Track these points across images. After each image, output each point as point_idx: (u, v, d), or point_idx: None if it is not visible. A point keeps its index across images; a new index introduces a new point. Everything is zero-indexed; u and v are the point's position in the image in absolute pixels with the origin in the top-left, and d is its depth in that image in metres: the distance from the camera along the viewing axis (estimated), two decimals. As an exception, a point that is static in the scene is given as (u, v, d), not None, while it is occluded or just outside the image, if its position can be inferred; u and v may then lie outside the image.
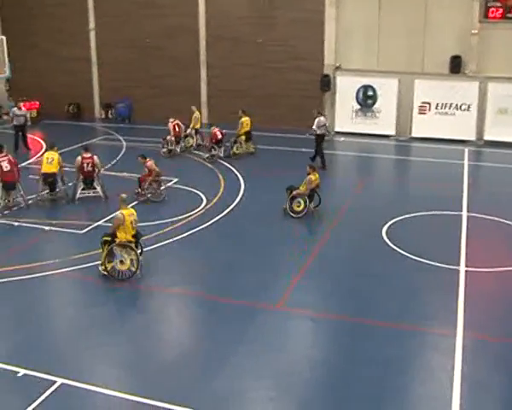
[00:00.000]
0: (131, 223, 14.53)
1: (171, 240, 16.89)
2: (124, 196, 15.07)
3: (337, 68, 30.12)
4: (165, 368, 11.14)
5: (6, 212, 18.99)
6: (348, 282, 14.51)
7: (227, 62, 31.87)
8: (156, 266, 15.59)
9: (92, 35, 34.81)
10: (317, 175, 18.97)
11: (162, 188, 20.63)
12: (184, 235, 17.25)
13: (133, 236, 14.61)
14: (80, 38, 34.80)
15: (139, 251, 14.86)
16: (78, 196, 20.20)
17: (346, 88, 29.97)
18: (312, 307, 13.31)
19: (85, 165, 20.18)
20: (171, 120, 26.34)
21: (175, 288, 14.38)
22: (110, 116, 35.14)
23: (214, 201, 20.08)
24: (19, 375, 10.74)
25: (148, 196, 20.12)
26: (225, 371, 10.93)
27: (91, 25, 34.66)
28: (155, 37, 33.00)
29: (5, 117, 35.00)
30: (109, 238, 14.54)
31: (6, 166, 19.26)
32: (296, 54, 30.30)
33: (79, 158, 20.26)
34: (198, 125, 27.52)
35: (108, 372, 11.09)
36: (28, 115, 29.02)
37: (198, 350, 11.80)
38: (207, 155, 25.11)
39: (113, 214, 15.32)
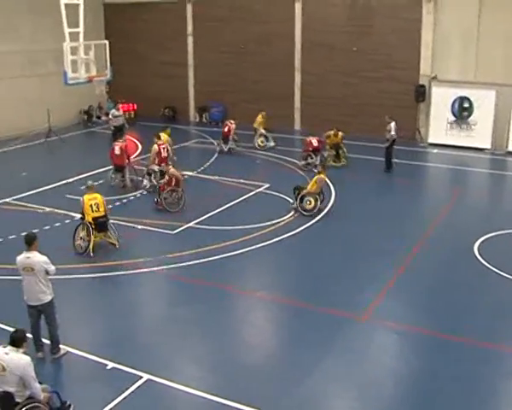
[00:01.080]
0: (91, 206, 16.46)
1: (261, 245, 17.06)
2: (90, 183, 17.36)
3: (433, 79, 29.59)
4: (249, 371, 11.30)
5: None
6: (437, 297, 14.25)
7: (321, 69, 31.84)
8: (245, 270, 15.84)
9: (190, 40, 35.53)
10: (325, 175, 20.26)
11: (179, 197, 20.32)
12: (274, 240, 17.39)
13: (93, 218, 16.44)
14: (178, 42, 35.60)
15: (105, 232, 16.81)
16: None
17: (441, 99, 29.38)
18: (399, 319, 13.17)
19: (162, 150, 21.86)
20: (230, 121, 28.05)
21: (263, 292, 14.54)
22: (204, 120, 35.71)
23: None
24: (108, 368, 11.17)
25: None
26: (310, 378, 10.98)
27: (189, 30, 35.38)
28: (251, 42, 33.35)
29: (104, 118, 36.25)
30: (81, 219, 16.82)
31: (117, 151, 22.20)
32: (391, 63, 29.96)
33: (155, 146, 21.88)
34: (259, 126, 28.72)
35: (192, 371, 11.36)
36: (124, 117, 29.82)
37: (282, 355, 11.91)
38: (303, 163, 25.06)
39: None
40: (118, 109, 29.13)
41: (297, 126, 33.00)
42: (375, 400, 10.42)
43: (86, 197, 16.65)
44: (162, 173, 20.88)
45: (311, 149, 25.15)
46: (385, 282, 14.79)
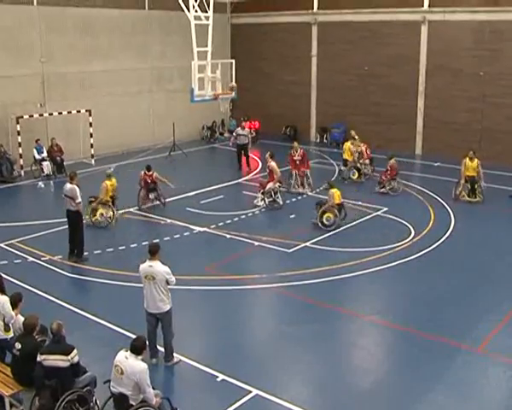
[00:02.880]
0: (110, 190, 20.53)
1: (376, 268, 16.90)
2: (108, 171, 21.73)
3: None
4: (357, 394, 11.18)
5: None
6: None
7: (446, 94, 31.18)
8: (359, 293, 15.73)
9: (314, 61, 35.78)
10: (337, 190, 20.47)
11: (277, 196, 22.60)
12: (391, 265, 17.17)
13: (111, 197, 20.48)
14: (302, 63, 35.94)
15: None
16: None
17: None
18: (516, 355, 12.66)
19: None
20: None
21: (374, 316, 14.37)
22: (325, 140, 35.77)
23: (423, 233, 19.72)
24: (218, 379, 11.37)
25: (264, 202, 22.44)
26: (418, 406, 10.76)
27: (313, 51, 35.64)
28: (375, 64, 33.16)
29: (227, 134, 37.09)
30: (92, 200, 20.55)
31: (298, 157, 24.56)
32: (521, 88, 28.94)
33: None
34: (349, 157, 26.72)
35: (301, 390, 11.36)
36: (250, 135, 30.28)
37: (392, 381, 11.70)
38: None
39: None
40: (242, 128, 29.69)
41: (418, 151, 32.44)
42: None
43: (107, 183, 20.50)
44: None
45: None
46: (503, 314, 14.23)
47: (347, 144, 26.86)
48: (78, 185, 16.97)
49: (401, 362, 12.43)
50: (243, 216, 21.04)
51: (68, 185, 17.01)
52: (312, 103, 36.43)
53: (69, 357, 9.48)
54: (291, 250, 18.15)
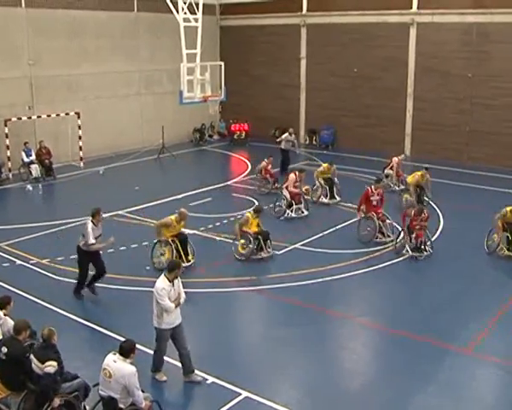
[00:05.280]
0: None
1: (366, 270, 16.93)
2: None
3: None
4: (347, 397, 11.17)
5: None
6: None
7: (434, 95, 31.29)
8: (349, 295, 15.73)
9: (303, 63, 35.81)
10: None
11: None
12: (380, 266, 17.19)
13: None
14: (291, 65, 35.99)
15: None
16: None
17: None
18: (505, 355, 12.66)
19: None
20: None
21: (363, 318, 14.38)
22: (314, 142, 35.80)
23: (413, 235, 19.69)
24: (208, 382, 11.32)
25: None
26: (409, 408, 10.77)
27: (303, 53, 35.68)
28: (365, 67, 33.21)
29: (215, 137, 37.18)
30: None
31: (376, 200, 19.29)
32: (509, 90, 29.05)
33: (293, 176, 21.86)
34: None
35: (291, 393, 11.34)
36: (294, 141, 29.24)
37: (382, 383, 11.69)
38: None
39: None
40: (290, 134, 28.77)
41: (407, 152, 32.53)
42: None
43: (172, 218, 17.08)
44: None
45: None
46: (491, 315, 14.27)
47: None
48: (94, 223, 14.57)
49: (391, 364, 12.42)
50: (232, 218, 21.00)
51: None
52: (302, 105, 36.48)
53: (43, 366, 9.33)
54: (280, 252, 18.13)
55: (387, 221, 19.18)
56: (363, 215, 19.18)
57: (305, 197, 22.41)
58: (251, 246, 17.38)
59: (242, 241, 17.59)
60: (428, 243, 18.04)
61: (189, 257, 16.85)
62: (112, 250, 17.83)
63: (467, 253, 18.33)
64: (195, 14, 24.19)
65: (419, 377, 11.65)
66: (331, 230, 19.98)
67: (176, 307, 11.07)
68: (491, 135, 29.64)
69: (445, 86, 30.90)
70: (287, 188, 21.70)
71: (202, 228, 20.06)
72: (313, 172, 23.83)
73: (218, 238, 19.22)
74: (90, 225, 14.45)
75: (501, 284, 16.24)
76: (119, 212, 21.76)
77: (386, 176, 25.10)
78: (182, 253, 16.59)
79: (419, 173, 22.78)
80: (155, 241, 16.87)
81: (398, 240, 18.23)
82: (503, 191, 24.53)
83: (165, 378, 11.45)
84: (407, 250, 17.73)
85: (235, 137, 36.07)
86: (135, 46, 32.90)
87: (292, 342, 13.18)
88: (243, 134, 36.02)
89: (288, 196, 21.57)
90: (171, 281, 11.07)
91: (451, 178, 24.74)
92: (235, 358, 12.46)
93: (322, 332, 13.65)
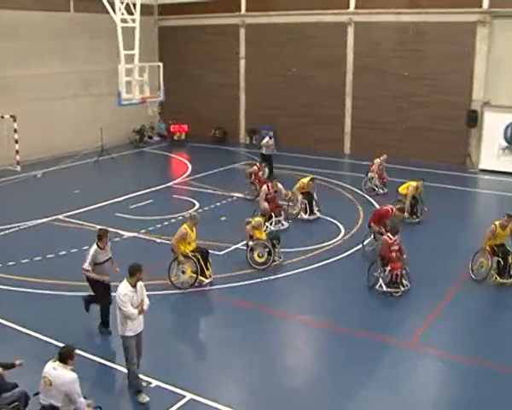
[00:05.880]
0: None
1: (306, 268, 17.05)
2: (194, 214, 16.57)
3: (485, 104, 29.23)
4: (290, 395, 11.23)
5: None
6: (483, 325, 14.01)
7: (372, 94, 31.75)
8: (291, 293, 15.81)
9: (242, 63, 35.87)
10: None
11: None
12: (320, 264, 17.35)
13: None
14: (230, 65, 36.01)
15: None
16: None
17: (493, 124, 28.98)
18: (445, 348, 12.94)
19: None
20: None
21: (305, 316, 14.49)
22: (254, 142, 35.88)
23: (353, 231, 20.00)
24: (152, 386, 11.23)
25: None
26: (351, 403, 10.91)
27: (242, 53, 35.74)
28: (304, 66, 33.47)
29: (155, 138, 36.94)
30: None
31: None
32: (443, 88, 29.68)
33: (265, 187, 20.72)
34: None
35: (235, 393, 11.37)
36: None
37: (325, 380, 11.83)
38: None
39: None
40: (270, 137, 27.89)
41: (347, 151, 32.94)
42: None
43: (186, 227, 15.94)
44: None
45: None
46: (431, 309, 14.57)
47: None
48: (100, 246, 13.24)
49: (333, 361, 12.56)
50: (173, 220, 20.90)
51: None
52: (241, 105, 36.53)
53: None
54: (222, 253, 18.12)
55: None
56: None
57: (289, 204, 21.68)
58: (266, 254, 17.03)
59: (258, 250, 17.15)
60: (405, 273, 15.51)
61: (210, 272, 15.97)
62: (52, 255, 17.56)
63: (406, 248, 18.52)
64: (133, 14, 23.94)
65: (361, 373, 11.81)
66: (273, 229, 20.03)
67: (139, 313, 10.82)
68: (426, 132, 30.29)
69: (382, 85, 31.39)
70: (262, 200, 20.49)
71: (143, 230, 19.90)
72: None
73: (158, 240, 19.08)
74: (93, 247, 13.09)
75: (439, 279, 16.55)
76: (59, 216, 21.38)
77: (370, 179, 24.83)
78: (204, 268, 15.74)
79: (414, 184, 21.18)
80: (173, 259, 15.72)
81: (366, 243, 17.93)
82: (437, 186, 25.06)
83: (147, 399, 10.84)
84: (381, 286, 15.22)
85: (175, 138, 35.94)
86: (71, 47, 32.32)
87: (235, 342, 13.19)
88: (183, 135, 35.88)
89: (264, 207, 20.32)
90: (134, 286, 10.78)
91: (390, 175, 25.08)
92: (178, 360, 12.41)
93: (264, 332, 13.70)
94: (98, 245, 13.14)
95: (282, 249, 17.75)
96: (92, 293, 13.60)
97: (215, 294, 15.49)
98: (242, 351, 12.89)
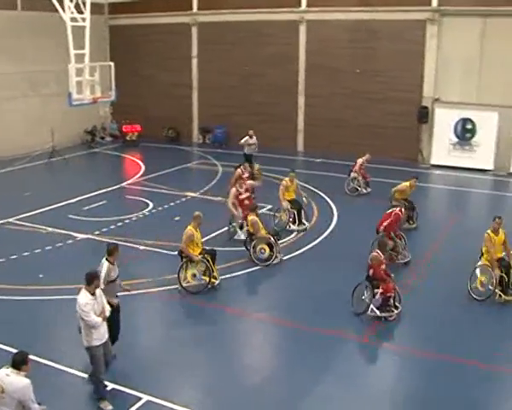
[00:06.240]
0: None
1: (258, 267, 17.03)
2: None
3: (436, 100, 29.69)
4: (247, 394, 11.23)
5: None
6: (435, 321, 14.12)
7: (325, 91, 31.94)
8: (246, 292, 15.80)
9: (194, 62, 35.72)
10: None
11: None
12: (275, 261, 17.30)
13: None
14: (183, 64, 35.83)
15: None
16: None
17: (444, 120, 29.48)
18: (399, 342, 13.10)
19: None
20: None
21: (261, 313, 14.49)
22: (207, 141, 35.80)
23: (306, 229, 20.09)
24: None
25: None
26: (308, 399, 10.93)
27: (194, 52, 35.58)
28: (256, 64, 33.51)
29: (108, 139, 36.57)
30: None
31: None
32: (394, 85, 30.06)
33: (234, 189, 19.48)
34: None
35: (191, 393, 11.31)
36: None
37: (281, 377, 11.82)
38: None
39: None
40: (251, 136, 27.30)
41: (300, 148, 33.08)
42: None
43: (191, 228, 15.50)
44: None
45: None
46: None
47: None
48: (111, 262, 12.15)
49: (289, 357, 12.58)
50: (127, 221, 20.70)
51: None
52: (194, 105, 36.41)
53: None
54: (176, 253, 17.96)
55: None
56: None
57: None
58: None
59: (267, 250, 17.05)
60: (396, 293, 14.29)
61: (217, 273, 15.65)
62: (3, 260, 17.20)
63: (359, 243, 18.53)
64: (83, 13, 23.68)
65: (318, 368, 11.86)
66: (225, 228, 19.85)
67: (103, 320, 10.56)
68: (378, 128, 30.61)
69: (335, 82, 31.62)
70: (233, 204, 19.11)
71: (97, 232, 19.64)
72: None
73: (141, 247, 18.78)
74: (105, 264, 12.00)
75: (393, 272, 16.66)
76: (9, 219, 20.96)
77: (353, 179, 24.50)
78: (213, 269, 15.40)
79: (407, 184, 20.39)
80: (181, 263, 15.45)
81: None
82: (390, 182, 25.28)
83: (110, 408, 10.61)
84: (373, 310, 13.81)
85: (128, 138, 35.59)
86: (19, 46, 31.61)
87: (191, 342, 13.12)
88: (135, 135, 35.55)
89: (234, 213, 19.07)
90: (93, 293, 10.48)
91: (344, 172, 25.27)
92: (134, 362, 12.24)
93: (220, 330, 13.67)
94: (109, 261, 12.12)
95: (235, 248, 17.71)
96: None
97: (170, 294, 15.34)
98: (199, 350, 12.80)
